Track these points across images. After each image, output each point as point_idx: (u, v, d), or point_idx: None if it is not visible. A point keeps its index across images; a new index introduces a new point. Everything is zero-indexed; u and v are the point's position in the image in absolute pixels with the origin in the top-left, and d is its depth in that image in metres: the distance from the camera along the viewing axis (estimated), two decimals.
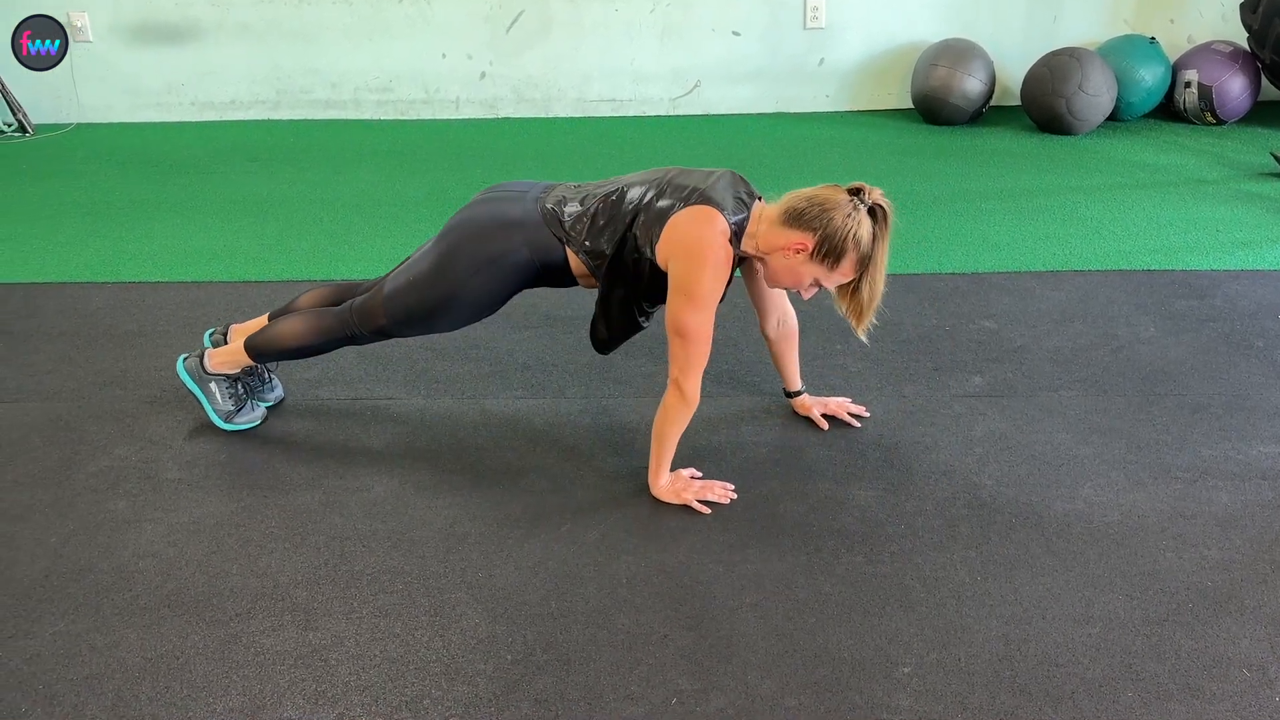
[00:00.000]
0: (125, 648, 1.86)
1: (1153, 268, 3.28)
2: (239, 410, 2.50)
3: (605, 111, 5.10)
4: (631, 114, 5.11)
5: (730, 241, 2.07)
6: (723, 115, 5.11)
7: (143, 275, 3.38)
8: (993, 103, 4.89)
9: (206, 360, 2.48)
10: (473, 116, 5.09)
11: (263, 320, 2.58)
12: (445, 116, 5.08)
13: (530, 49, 4.98)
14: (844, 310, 2.13)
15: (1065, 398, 2.59)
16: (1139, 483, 2.26)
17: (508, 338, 2.93)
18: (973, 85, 4.68)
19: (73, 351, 2.90)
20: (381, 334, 2.35)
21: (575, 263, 2.20)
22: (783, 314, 2.42)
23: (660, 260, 2.10)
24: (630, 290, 2.19)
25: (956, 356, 2.79)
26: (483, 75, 5.03)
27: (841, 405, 2.52)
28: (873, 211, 2.01)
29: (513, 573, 2.02)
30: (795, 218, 2.04)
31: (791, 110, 5.14)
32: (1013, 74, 4.94)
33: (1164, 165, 4.25)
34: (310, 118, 5.07)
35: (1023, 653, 1.82)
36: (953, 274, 3.28)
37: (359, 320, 2.34)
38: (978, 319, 2.99)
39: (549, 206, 2.21)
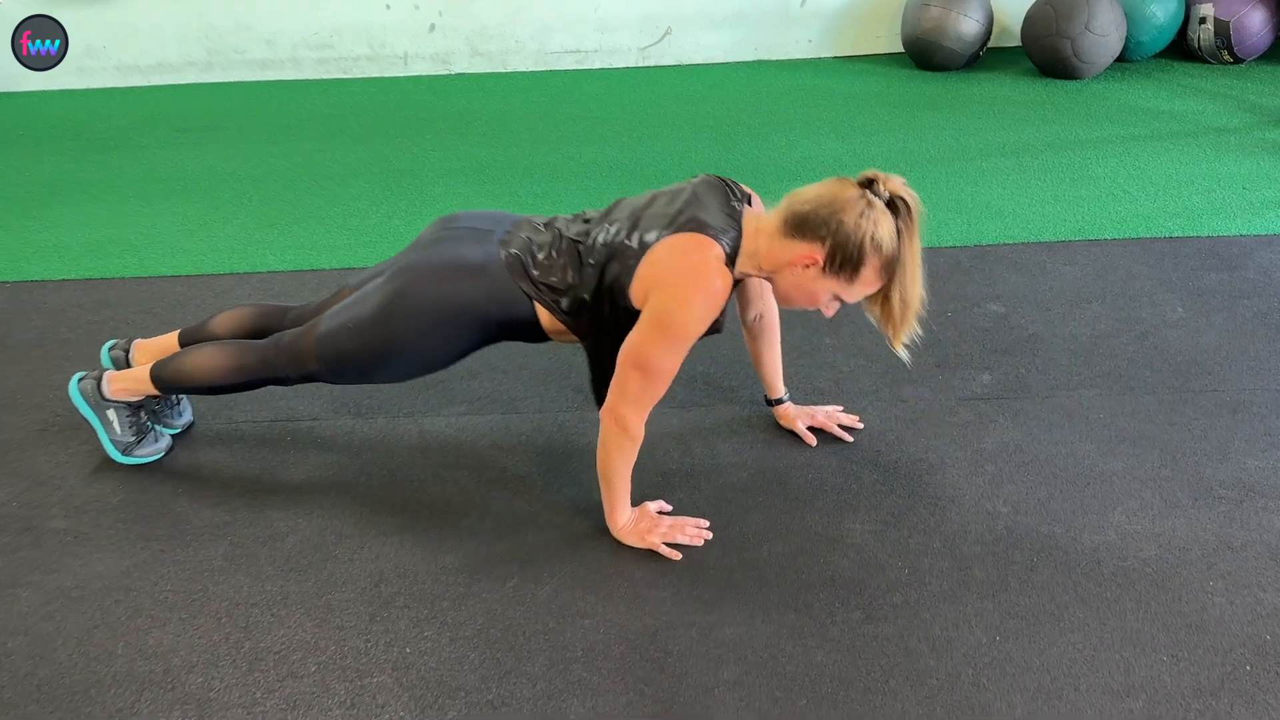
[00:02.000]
0: None
1: (1175, 234, 2.94)
2: (140, 441, 2.16)
3: (568, 64, 4.69)
4: (597, 66, 4.70)
5: (726, 266, 1.74)
6: (697, 65, 4.70)
7: (47, 273, 3.01)
8: (990, 45, 4.49)
9: (105, 384, 2.13)
10: (423, 73, 4.67)
11: (171, 339, 2.23)
12: (392, 74, 4.66)
13: None
14: (876, 321, 1.81)
15: (1086, 398, 2.27)
16: (1176, 505, 1.95)
17: None
18: (969, 26, 4.29)
19: None
20: (311, 379, 2.01)
21: (548, 319, 1.88)
22: (763, 308, 2.09)
23: (637, 299, 1.77)
24: (618, 343, 1.84)
25: (961, 349, 2.46)
26: (432, 27, 4.60)
27: (830, 416, 2.20)
28: (892, 205, 1.68)
29: (446, 646, 1.71)
30: (799, 225, 1.71)
31: (771, 58, 4.74)
32: (1012, 12, 4.54)
33: (1180, 112, 3.88)
34: (245, 79, 4.65)
35: None
36: (953, 247, 2.94)
37: (287, 362, 1.99)
38: (983, 301, 2.65)
39: (514, 252, 1.87)
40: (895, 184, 1.69)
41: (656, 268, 1.73)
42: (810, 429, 2.17)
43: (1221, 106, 3.91)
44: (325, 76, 4.65)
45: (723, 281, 1.71)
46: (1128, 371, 2.35)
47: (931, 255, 2.90)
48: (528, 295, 1.85)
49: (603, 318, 1.83)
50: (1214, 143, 3.57)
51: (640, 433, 1.81)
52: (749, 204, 1.86)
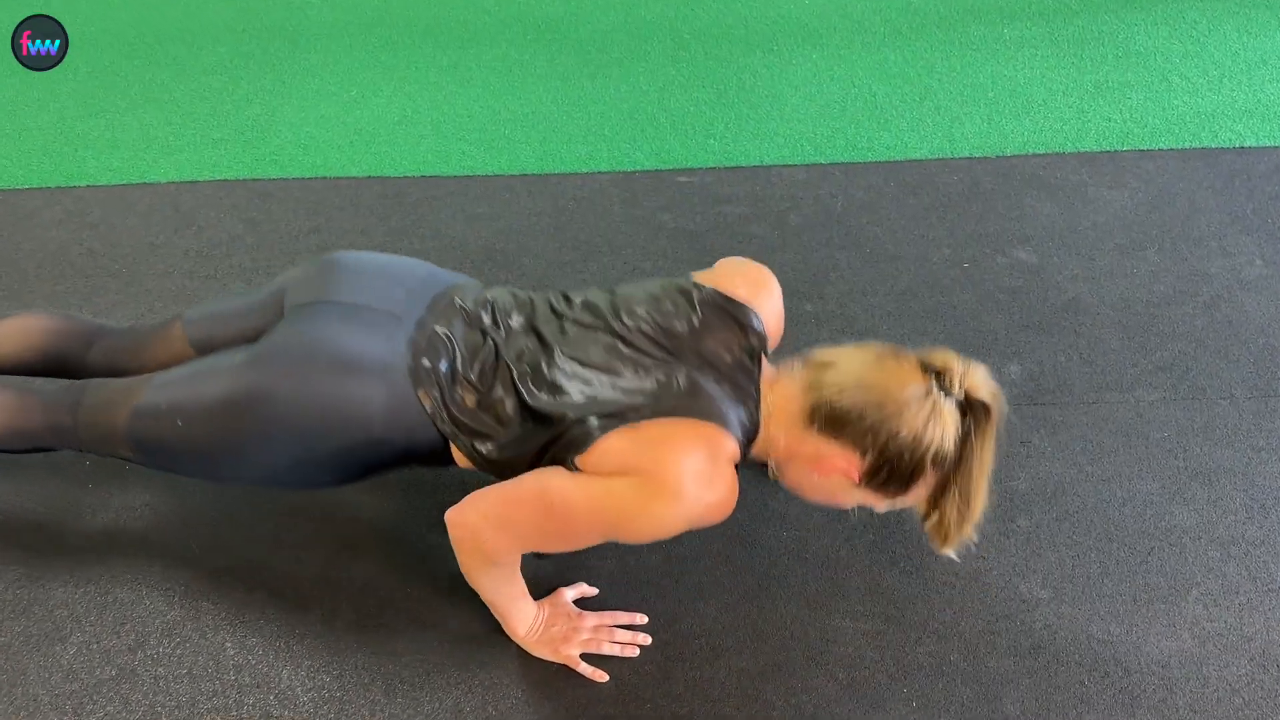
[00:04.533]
0: None
1: (1248, 143, 2.33)
2: None
3: None
4: None
5: (736, 467, 1.23)
6: None
7: None
8: None
9: None
10: None
11: None
12: None
13: None
14: (921, 518, 1.27)
15: (1145, 403, 1.74)
16: (1271, 586, 1.47)
17: None
18: None
19: None
20: (123, 460, 1.43)
21: (461, 458, 1.31)
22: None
23: (589, 467, 1.22)
24: None
25: (982, 322, 1.90)
26: None
27: None
28: (965, 405, 1.16)
29: None
30: (833, 423, 1.19)
31: None
32: None
33: None
34: None
35: None
36: (968, 158, 2.31)
37: (88, 437, 1.40)
38: (1009, 245, 2.07)
39: (425, 365, 1.27)
40: (975, 380, 1.17)
41: (636, 449, 1.19)
42: None
43: None
44: None
45: (727, 490, 1.19)
46: (1196, 360, 1.81)
47: (939, 171, 2.29)
48: (439, 429, 1.27)
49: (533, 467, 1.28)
50: None
51: (511, 562, 1.31)
52: (765, 351, 1.30)
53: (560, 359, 1.26)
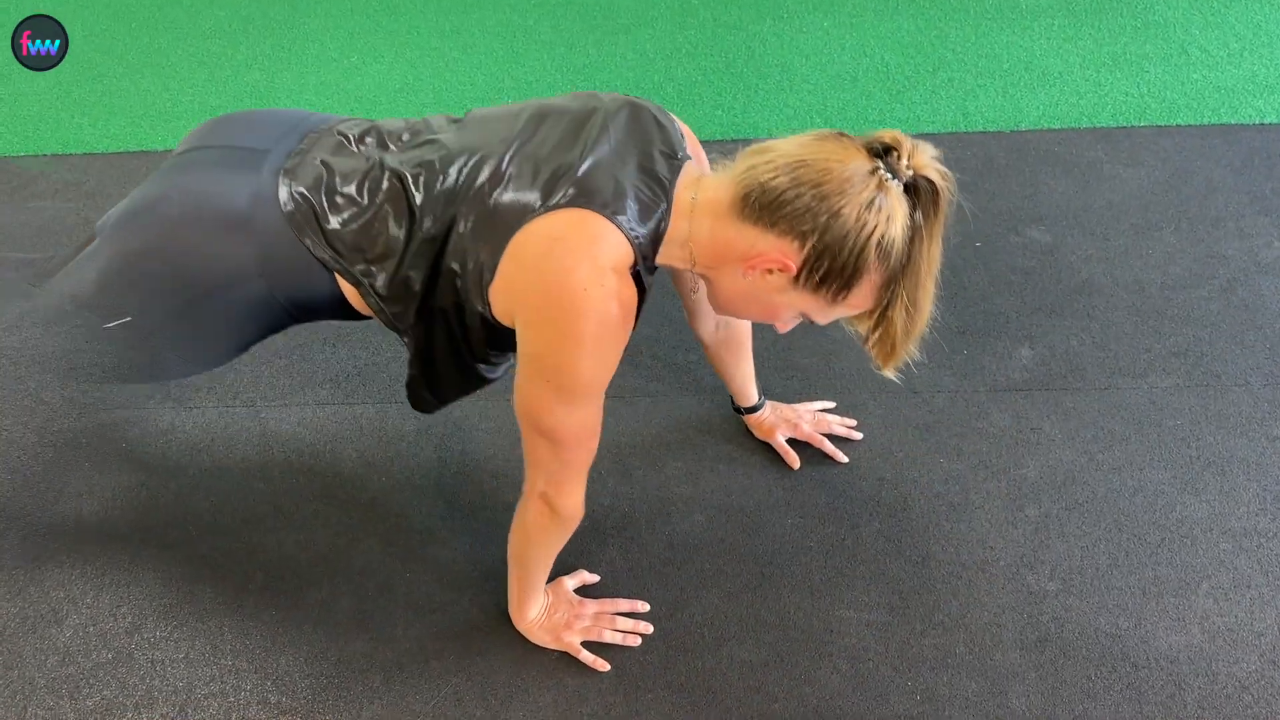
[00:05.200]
0: None
1: (1267, 119, 2.28)
2: None
3: None
4: None
5: (634, 273, 1.10)
6: None
7: None
8: None
9: None
10: None
11: None
12: None
13: None
14: (863, 338, 1.16)
15: (1158, 390, 1.70)
16: None
17: None
18: None
19: None
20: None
21: (357, 298, 1.21)
22: (722, 317, 1.46)
23: (499, 309, 1.13)
24: (456, 344, 1.22)
25: (994, 304, 1.86)
26: None
27: (818, 424, 1.63)
28: (913, 188, 1.03)
29: None
30: (767, 209, 1.06)
31: None
32: None
33: None
34: None
35: None
36: (982, 132, 2.26)
37: None
38: (1023, 224, 2.02)
39: (299, 191, 1.16)
40: (922, 158, 1.03)
41: (523, 274, 1.08)
42: (792, 442, 1.61)
43: None
44: None
45: (620, 306, 1.07)
46: (1210, 346, 1.78)
47: (952, 146, 2.23)
48: (322, 262, 1.17)
49: (437, 313, 1.19)
50: None
51: (579, 511, 1.24)
52: (685, 160, 1.18)
53: (456, 158, 1.15)
